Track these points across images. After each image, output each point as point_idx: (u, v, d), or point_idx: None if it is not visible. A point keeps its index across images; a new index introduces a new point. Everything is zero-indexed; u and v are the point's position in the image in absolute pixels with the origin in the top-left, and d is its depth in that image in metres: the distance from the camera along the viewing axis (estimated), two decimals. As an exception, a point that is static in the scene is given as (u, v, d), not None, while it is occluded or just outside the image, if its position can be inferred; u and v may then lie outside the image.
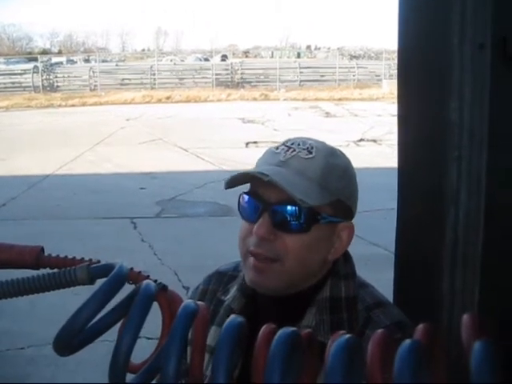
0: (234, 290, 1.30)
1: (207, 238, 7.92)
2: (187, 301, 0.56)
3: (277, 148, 1.20)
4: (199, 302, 0.60)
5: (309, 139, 1.22)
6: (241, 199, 1.22)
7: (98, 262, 0.66)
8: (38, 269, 0.69)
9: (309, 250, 1.17)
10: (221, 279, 1.37)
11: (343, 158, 1.23)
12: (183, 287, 5.76)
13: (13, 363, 4.83)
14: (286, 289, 1.19)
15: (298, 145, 1.18)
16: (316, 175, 1.15)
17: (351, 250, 1.27)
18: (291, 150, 1.18)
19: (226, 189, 1.21)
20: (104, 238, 7.97)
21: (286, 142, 1.21)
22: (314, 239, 1.16)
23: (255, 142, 15.43)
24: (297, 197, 1.10)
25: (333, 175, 1.17)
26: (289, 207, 1.14)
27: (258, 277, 1.17)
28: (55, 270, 0.63)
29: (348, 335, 0.48)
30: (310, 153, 1.17)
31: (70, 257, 0.69)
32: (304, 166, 1.15)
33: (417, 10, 1.24)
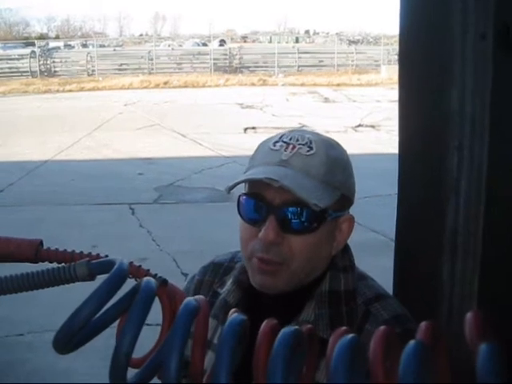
0: (229, 283, 1.28)
1: (205, 224, 7.93)
2: (188, 298, 0.56)
3: (274, 144, 1.16)
4: (200, 297, 0.60)
5: (305, 132, 1.20)
6: (241, 201, 1.17)
7: (98, 256, 0.66)
8: (36, 262, 0.69)
9: (315, 248, 1.15)
10: (216, 270, 1.35)
11: (340, 149, 1.22)
12: (182, 273, 5.78)
13: (12, 349, 4.85)
14: (291, 287, 1.17)
15: (297, 140, 1.15)
16: (320, 173, 1.13)
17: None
18: (291, 146, 1.14)
19: (228, 193, 1.17)
20: (102, 223, 7.98)
21: (283, 136, 1.17)
22: (319, 238, 1.15)
23: (254, 128, 15.39)
24: (310, 201, 1.08)
25: (335, 170, 1.15)
26: (296, 209, 1.12)
27: (265, 280, 1.15)
28: (54, 266, 0.62)
29: (351, 335, 0.48)
30: (311, 148, 1.14)
31: (69, 250, 0.69)
32: (307, 165, 1.13)
33: (418, -1, 1.23)
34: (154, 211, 8.79)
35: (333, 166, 1.15)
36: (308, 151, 1.14)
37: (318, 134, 1.21)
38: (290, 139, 1.16)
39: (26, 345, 4.89)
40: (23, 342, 4.94)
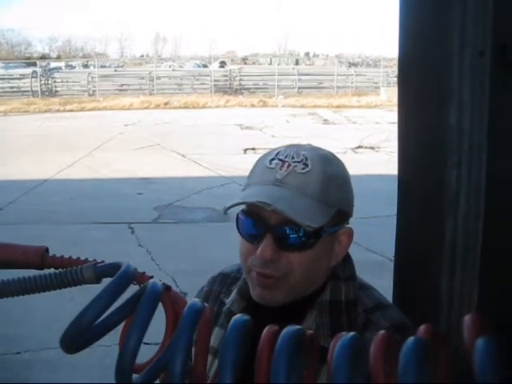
0: (234, 293, 1.29)
1: (204, 244, 7.92)
2: (193, 299, 0.57)
3: (270, 162, 1.16)
4: (203, 303, 0.61)
5: (300, 147, 1.19)
6: (239, 219, 1.18)
7: (102, 262, 0.67)
8: (42, 269, 0.70)
9: (313, 263, 1.16)
10: (225, 281, 1.37)
11: (337, 163, 1.21)
12: (181, 292, 5.76)
13: (9, 368, 4.82)
14: (291, 299, 1.18)
15: (292, 158, 1.15)
16: (316, 191, 1.13)
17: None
18: (286, 164, 1.14)
19: (225, 214, 1.18)
20: (101, 242, 7.96)
21: (278, 153, 1.17)
22: (317, 252, 1.15)
23: (253, 149, 15.44)
24: (303, 223, 1.08)
25: (332, 187, 1.15)
26: (292, 228, 1.12)
27: (264, 293, 1.16)
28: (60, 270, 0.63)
29: (352, 333, 0.49)
30: (306, 165, 1.14)
31: (74, 257, 0.70)
32: (302, 183, 1.13)
33: (417, 17, 1.25)
34: (154, 231, 8.79)
35: (329, 182, 1.15)
36: (303, 169, 1.14)
37: (314, 149, 1.20)
38: (286, 156, 1.16)
39: (24, 363, 4.87)
40: (20, 361, 4.92)
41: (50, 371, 4.58)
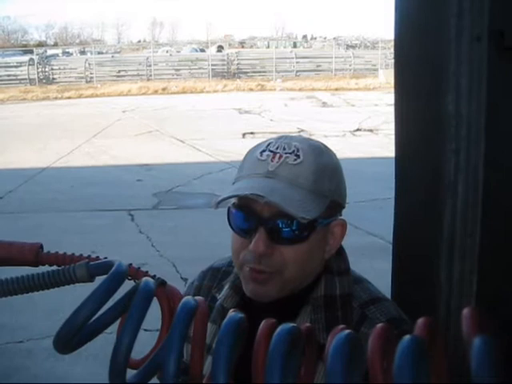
0: (226, 288, 1.28)
1: (205, 230, 7.91)
2: (186, 297, 0.56)
3: (261, 154, 1.15)
4: (199, 298, 0.60)
5: (292, 139, 1.17)
6: (231, 213, 1.17)
7: (97, 258, 0.66)
8: (37, 266, 0.69)
9: (307, 255, 1.15)
10: (215, 275, 1.36)
11: (329, 154, 1.20)
12: (181, 278, 5.78)
13: (11, 356, 4.84)
14: (285, 294, 1.17)
15: (284, 149, 1.13)
16: (308, 182, 1.12)
17: (348, 240, 1.25)
18: (277, 156, 1.13)
19: (215, 208, 1.17)
20: (102, 230, 7.98)
21: (270, 145, 1.16)
22: (311, 245, 1.14)
23: (252, 133, 15.41)
24: (298, 215, 1.07)
25: (324, 177, 1.14)
26: (285, 221, 1.11)
27: (257, 288, 1.15)
28: (54, 268, 0.63)
29: (348, 330, 0.48)
30: (298, 157, 1.12)
31: (68, 253, 0.70)
32: (295, 174, 1.11)
33: (414, 1, 1.24)
34: (154, 217, 8.79)
35: (321, 173, 1.14)
36: (295, 160, 1.12)
37: (305, 140, 1.19)
38: (277, 148, 1.14)
39: (26, 352, 4.89)
40: (23, 349, 4.94)
41: (52, 359, 4.59)
